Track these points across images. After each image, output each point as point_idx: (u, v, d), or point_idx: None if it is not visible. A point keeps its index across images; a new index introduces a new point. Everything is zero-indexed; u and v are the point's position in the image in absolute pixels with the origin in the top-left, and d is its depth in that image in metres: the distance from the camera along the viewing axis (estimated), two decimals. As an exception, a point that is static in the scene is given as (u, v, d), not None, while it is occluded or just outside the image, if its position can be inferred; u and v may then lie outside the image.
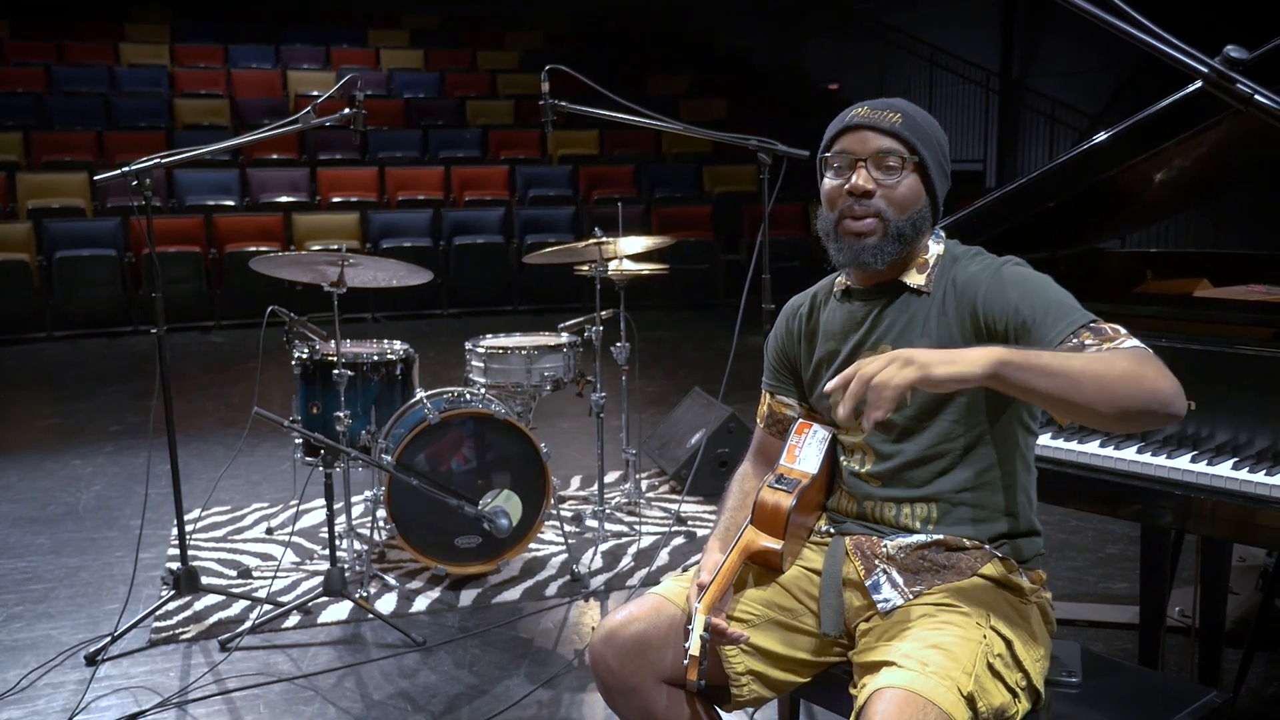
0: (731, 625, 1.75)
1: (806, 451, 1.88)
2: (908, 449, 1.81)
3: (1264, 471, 1.95)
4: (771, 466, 1.95)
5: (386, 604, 3.52)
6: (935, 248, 1.85)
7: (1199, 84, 1.22)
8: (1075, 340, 1.62)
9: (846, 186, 1.79)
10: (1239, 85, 1.19)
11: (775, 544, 1.79)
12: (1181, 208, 3.29)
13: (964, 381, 1.50)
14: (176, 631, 3.32)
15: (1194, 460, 2.03)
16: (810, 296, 2.00)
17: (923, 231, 1.81)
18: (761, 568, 1.86)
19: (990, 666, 1.64)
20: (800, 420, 1.95)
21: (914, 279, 1.82)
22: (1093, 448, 2.14)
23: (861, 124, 1.80)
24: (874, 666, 1.63)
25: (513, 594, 3.63)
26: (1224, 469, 1.97)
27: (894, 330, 1.82)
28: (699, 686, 1.67)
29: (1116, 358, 1.54)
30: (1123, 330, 1.63)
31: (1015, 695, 1.67)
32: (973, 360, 1.49)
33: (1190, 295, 2.65)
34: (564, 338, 4.25)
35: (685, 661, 1.66)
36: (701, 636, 1.66)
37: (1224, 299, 2.56)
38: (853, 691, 1.66)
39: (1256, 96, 1.19)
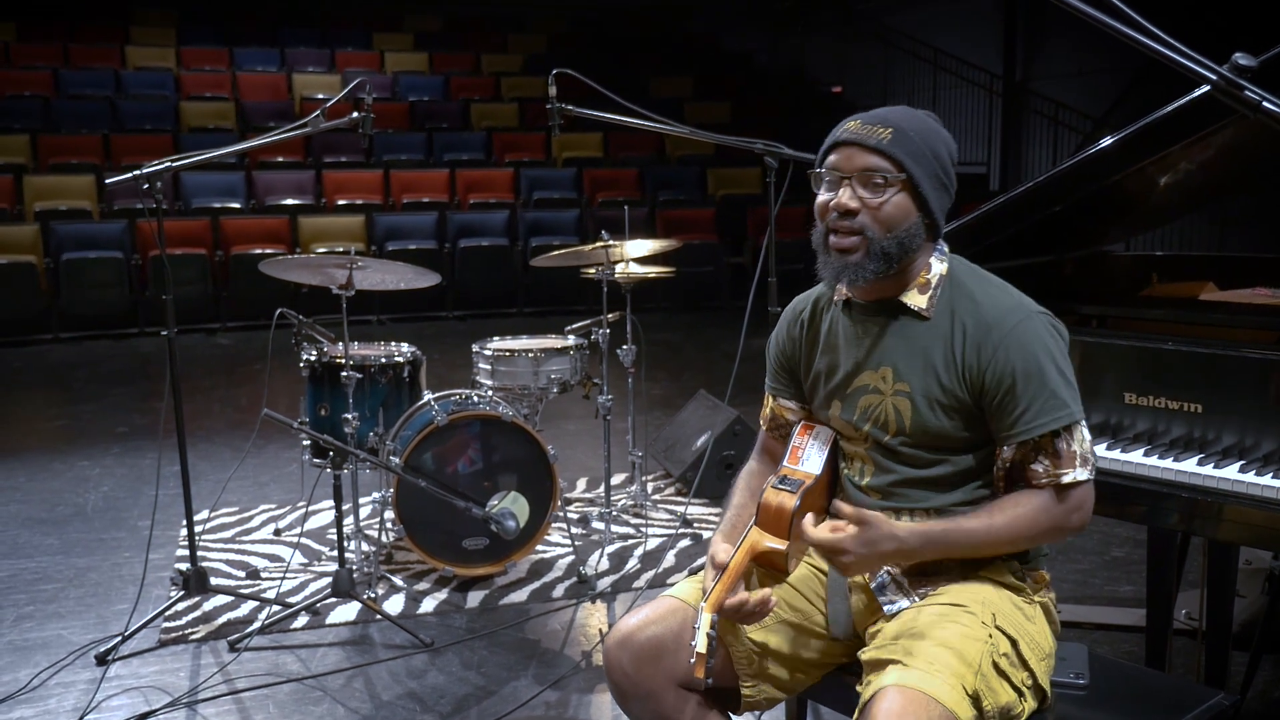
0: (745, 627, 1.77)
1: (809, 453, 1.88)
2: (905, 470, 1.81)
3: (1271, 474, 1.95)
4: (776, 466, 1.96)
5: (394, 605, 3.54)
6: (938, 266, 1.81)
7: (1205, 88, 1.23)
8: (1035, 456, 1.72)
9: (832, 203, 1.79)
10: (1247, 92, 1.21)
11: (780, 545, 1.80)
12: (1186, 211, 3.30)
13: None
14: (186, 632, 3.34)
15: (1201, 463, 2.03)
16: (812, 302, 1.98)
17: (913, 249, 1.77)
18: (767, 569, 1.87)
19: (996, 665, 1.66)
20: (803, 422, 1.96)
21: (915, 300, 1.80)
22: (1099, 450, 2.14)
23: (850, 140, 1.77)
24: (880, 664, 1.64)
25: (520, 595, 3.64)
26: (1231, 471, 1.98)
27: (895, 354, 1.80)
28: (707, 685, 1.68)
29: (1014, 526, 1.71)
30: (1079, 457, 1.71)
31: (1021, 694, 1.69)
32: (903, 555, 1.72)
33: (1196, 298, 2.65)
34: (570, 340, 4.26)
35: (692, 660, 1.66)
36: (709, 634, 1.67)
37: (1230, 302, 2.56)
38: (859, 690, 1.67)
39: (1265, 103, 1.20)
